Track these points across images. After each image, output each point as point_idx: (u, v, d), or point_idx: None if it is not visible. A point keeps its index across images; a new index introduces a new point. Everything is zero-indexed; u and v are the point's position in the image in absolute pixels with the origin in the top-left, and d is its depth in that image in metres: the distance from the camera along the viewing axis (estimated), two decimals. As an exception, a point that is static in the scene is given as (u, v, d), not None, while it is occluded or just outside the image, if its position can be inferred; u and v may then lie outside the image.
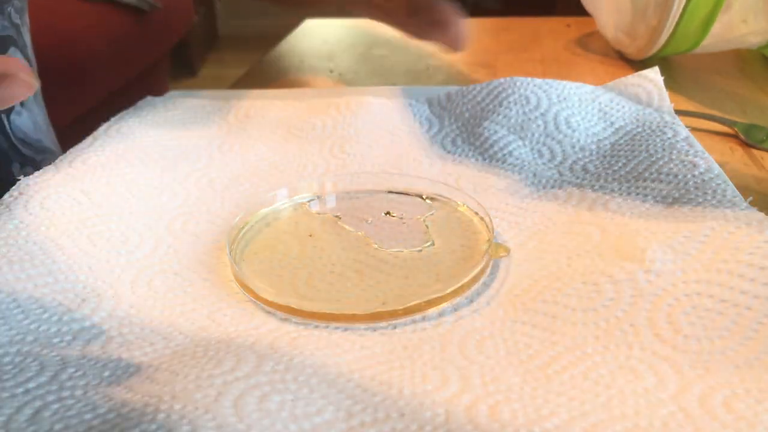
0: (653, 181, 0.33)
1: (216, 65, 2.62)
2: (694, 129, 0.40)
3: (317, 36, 0.74)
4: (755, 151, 0.40)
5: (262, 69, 0.62)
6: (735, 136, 0.42)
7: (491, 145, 0.38)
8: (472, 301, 0.26)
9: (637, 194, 0.32)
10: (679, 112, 0.42)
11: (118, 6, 1.16)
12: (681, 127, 0.37)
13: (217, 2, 2.88)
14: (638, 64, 0.56)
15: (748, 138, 0.41)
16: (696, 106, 0.47)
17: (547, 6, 1.04)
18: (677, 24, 0.48)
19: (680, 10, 0.47)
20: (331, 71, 0.61)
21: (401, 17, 0.44)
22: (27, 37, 0.49)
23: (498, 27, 0.73)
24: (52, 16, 1.00)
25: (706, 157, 0.34)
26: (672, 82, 0.52)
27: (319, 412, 0.20)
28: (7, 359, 0.23)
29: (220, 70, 2.54)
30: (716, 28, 0.49)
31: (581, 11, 0.64)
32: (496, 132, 0.39)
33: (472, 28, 0.73)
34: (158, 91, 0.50)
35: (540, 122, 0.39)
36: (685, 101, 0.48)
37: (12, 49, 0.46)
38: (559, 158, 0.37)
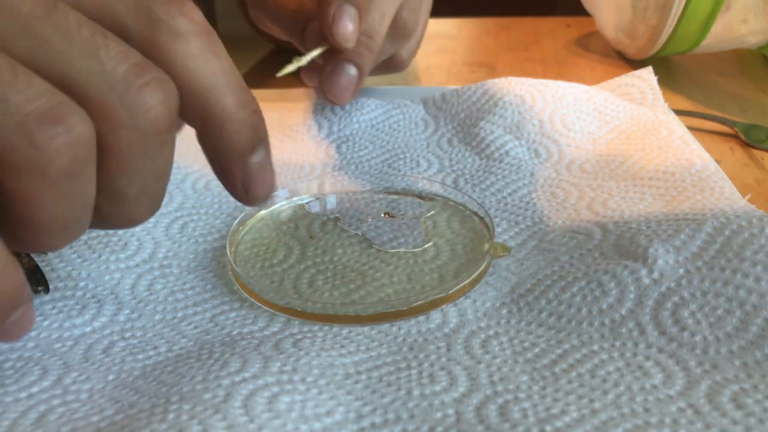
0: (650, 179, 0.33)
1: (215, 66, 2.61)
2: (694, 129, 0.40)
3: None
4: (755, 151, 0.40)
5: (262, 69, 0.62)
6: (735, 136, 0.42)
7: (488, 145, 0.38)
8: (475, 301, 0.26)
9: (635, 192, 0.32)
10: (679, 112, 0.42)
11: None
12: (676, 126, 0.37)
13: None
14: (638, 64, 0.56)
15: (748, 138, 0.41)
16: (696, 106, 0.47)
17: (547, 6, 1.04)
18: (677, 24, 0.48)
19: (680, 10, 0.47)
20: (331, 72, 0.60)
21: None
22: None
23: (498, 27, 0.73)
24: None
25: (702, 155, 0.34)
26: (672, 82, 0.52)
27: (330, 414, 0.20)
28: (8, 365, 0.22)
29: (218, 71, 2.53)
30: (716, 28, 0.49)
31: (581, 11, 0.64)
32: (492, 132, 0.39)
33: (473, 27, 0.74)
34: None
35: (536, 122, 0.39)
36: (685, 101, 0.48)
37: None
38: (555, 157, 0.37)
